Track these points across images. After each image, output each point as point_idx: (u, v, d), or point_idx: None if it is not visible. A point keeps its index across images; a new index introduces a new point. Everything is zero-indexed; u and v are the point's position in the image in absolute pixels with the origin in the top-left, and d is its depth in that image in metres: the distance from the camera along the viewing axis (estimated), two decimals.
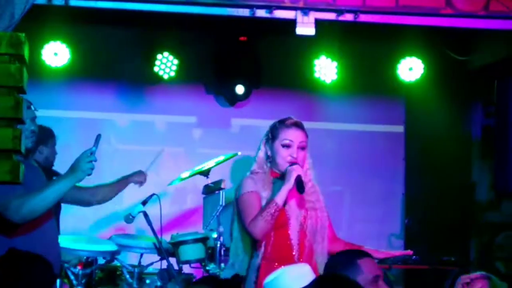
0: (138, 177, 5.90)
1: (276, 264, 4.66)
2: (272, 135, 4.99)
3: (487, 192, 8.92)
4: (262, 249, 4.85)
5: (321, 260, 4.88)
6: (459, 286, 4.38)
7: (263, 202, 4.86)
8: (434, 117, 8.83)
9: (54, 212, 4.86)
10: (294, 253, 4.87)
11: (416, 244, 8.86)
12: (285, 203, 4.83)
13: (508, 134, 8.25)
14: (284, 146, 4.93)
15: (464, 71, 8.84)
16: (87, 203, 5.45)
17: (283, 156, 4.92)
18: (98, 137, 4.49)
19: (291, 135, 4.94)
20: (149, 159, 6.57)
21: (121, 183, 5.69)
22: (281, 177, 4.91)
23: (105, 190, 5.53)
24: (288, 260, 4.74)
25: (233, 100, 8.81)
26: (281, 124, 5.00)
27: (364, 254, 3.93)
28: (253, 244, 4.91)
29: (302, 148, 4.96)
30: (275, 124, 5.03)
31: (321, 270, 4.80)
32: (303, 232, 4.91)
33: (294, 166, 4.85)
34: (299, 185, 4.79)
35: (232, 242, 5.02)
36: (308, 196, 4.93)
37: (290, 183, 4.80)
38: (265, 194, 4.89)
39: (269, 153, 4.98)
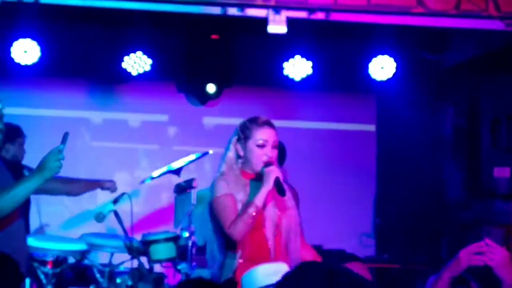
0: (109, 184, 5.98)
1: (253, 264, 4.57)
2: (244, 134, 4.88)
3: (458, 191, 8.94)
4: (239, 250, 4.81)
5: (294, 258, 4.86)
6: None
7: (239, 204, 4.80)
8: (406, 116, 8.84)
9: (23, 211, 4.81)
10: (270, 253, 4.83)
11: (387, 243, 8.89)
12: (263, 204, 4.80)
13: (479, 133, 8.28)
14: (258, 146, 4.85)
15: (435, 70, 8.85)
16: (53, 191, 5.48)
17: (258, 156, 4.83)
18: (66, 135, 4.43)
19: (265, 135, 4.85)
20: (124, 157, 6.61)
21: (90, 184, 5.72)
22: (257, 177, 4.84)
23: (71, 184, 5.54)
24: (264, 260, 4.69)
25: (204, 99, 8.78)
26: (253, 123, 4.89)
27: (349, 258, 3.91)
28: (228, 245, 4.85)
29: (276, 147, 4.90)
30: (245, 123, 4.91)
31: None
32: (279, 232, 4.88)
33: (272, 168, 4.77)
34: (279, 187, 4.74)
35: (208, 245, 4.99)
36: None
37: (269, 185, 4.72)
38: (240, 196, 4.81)
39: (241, 153, 4.88)
